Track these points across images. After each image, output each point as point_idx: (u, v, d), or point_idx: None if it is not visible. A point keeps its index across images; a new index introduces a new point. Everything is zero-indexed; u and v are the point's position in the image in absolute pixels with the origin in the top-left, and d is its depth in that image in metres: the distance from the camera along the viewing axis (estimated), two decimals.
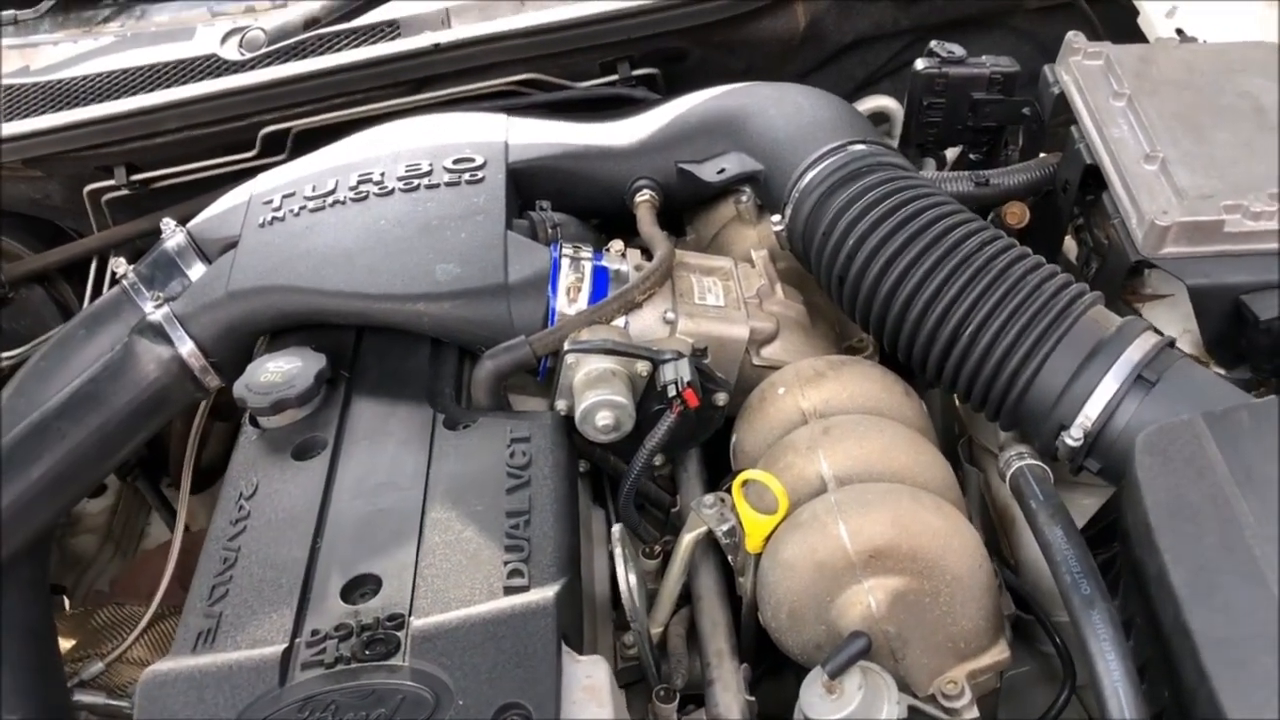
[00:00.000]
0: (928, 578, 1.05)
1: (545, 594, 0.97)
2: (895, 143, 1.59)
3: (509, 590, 0.98)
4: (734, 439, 1.26)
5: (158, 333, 1.31)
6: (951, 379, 1.18)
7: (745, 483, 1.10)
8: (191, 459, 1.54)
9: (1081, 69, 1.39)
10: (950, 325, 1.16)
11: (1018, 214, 1.43)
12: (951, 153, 1.61)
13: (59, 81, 1.84)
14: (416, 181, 1.40)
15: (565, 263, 1.28)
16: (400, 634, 0.96)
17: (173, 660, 0.98)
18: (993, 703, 1.16)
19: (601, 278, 1.28)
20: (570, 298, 1.26)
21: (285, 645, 0.96)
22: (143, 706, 0.94)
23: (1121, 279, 1.28)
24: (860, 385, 1.21)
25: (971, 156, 1.56)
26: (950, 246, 1.18)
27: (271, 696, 0.92)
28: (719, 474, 1.30)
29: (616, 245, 1.34)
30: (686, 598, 1.19)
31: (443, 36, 1.76)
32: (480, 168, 1.41)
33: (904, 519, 1.05)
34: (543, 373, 1.27)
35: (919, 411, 1.24)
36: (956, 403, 1.42)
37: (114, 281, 1.50)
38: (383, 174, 1.42)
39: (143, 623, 1.44)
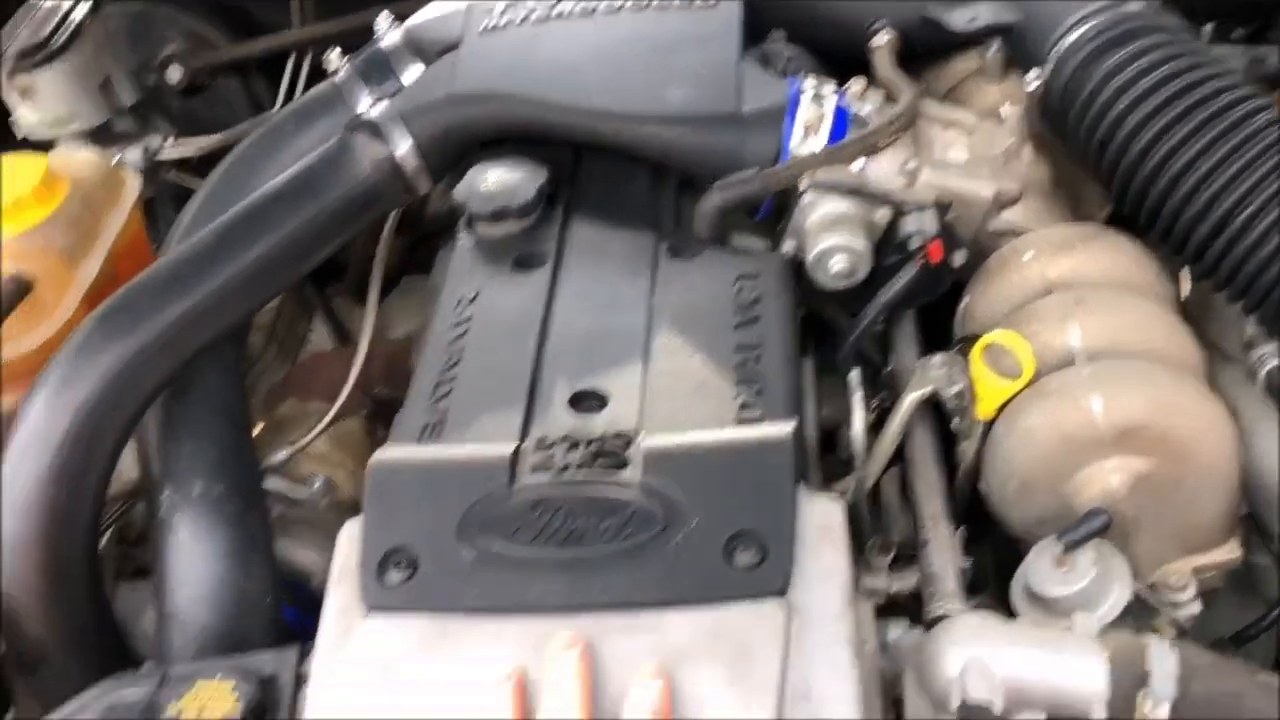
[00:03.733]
0: (1176, 463, 1.00)
1: (783, 428, 0.93)
2: None
3: (741, 421, 0.96)
4: (964, 302, 1.21)
5: (375, 131, 1.29)
6: (1214, 264, 1.11)
7: (987, 345, 1.06)
8: (382, 261, 1.53)
9: None
10: (1223, 207, 1.07)
11: None
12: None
13: None
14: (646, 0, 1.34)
15: (807, 97, 1.21)
16: (628, 451, 0.93)
17: (400, 448, 0.98)
18: (1210, 603, 1.12)
19: (842, 119, 1.22)
20: (806, 135, 1.20)
21: (514, 446, 0.95)
22: (373, 489, 0.94)
23: None
24: (1112, 258, 1.14)
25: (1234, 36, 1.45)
26: (1234, 123, 1.09)
27: (501, 494, 0.92)
28: (931, 340, 1.25)
29: (858, 84, 1.27)
30: (895, 459, 1.16)
31: None
32: None
33: (1163, 399, 1.00)
34: (763, 213, 1.22)
35: (1173, 293, 1.17)
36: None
37: (324, 75, 1.48)
38: None
39: (327, 418, 1.46)
